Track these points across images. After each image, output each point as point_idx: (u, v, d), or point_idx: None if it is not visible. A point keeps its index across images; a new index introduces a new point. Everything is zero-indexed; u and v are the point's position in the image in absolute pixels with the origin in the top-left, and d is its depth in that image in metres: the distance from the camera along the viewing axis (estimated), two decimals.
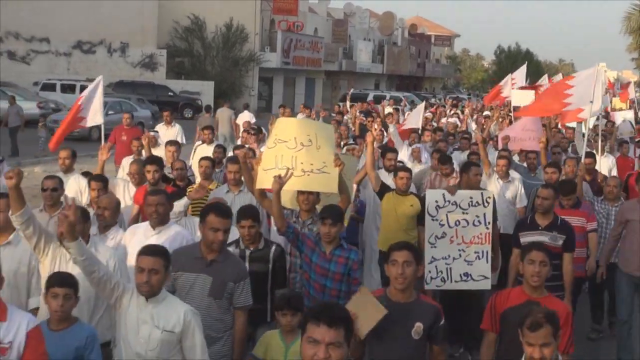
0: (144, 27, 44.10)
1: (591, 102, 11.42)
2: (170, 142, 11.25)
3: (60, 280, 5.10)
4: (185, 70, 46.83)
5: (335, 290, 6.49)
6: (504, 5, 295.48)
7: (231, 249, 6.39)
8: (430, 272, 8.22)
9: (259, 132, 13.96)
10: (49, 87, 36.83)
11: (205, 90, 43.65)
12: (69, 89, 36.55)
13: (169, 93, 40.75)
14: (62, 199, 7.99)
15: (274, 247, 6.72)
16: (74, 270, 5.27)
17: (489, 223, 8.17)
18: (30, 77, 40.40)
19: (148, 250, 5.07)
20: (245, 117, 22.38)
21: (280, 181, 6.62)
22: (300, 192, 7.30)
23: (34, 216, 5.76)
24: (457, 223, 8.21)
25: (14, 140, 23.00)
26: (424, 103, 22.55)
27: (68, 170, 9.58)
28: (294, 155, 7.16)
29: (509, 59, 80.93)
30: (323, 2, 60.83)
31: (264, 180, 7.18)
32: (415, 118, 16.84)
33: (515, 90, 22.47)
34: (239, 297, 5.77)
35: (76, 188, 8.90)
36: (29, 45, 43.39)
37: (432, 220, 8.25)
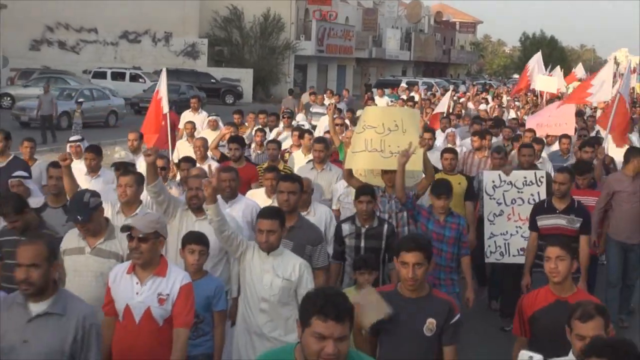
0: (186, 17, 45.07)
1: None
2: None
3: (196, 238, 5.65)
4: (224, 58, 47.70)
5: (450, 254, 7.15)
6: None
7: (347, 226, 6.99)
8: (489, 246, 8.68)
9: (291, 116, 14.61)
10: (99, 75, 38.08)
11: (244, 78, 44.54)
12: (118, 76, 37.98)
13: (211, 80, 41.62)
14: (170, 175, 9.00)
15: (386, 225, 7.09)
16: (201, 229, 5.93)
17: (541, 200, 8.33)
18: (79, 66, 41.67)
19: (266, 213, 5.54)
20: (289, 102, 23.51)
21: (406, 155, 7.29)
22: (385, 171, 7.81)
23: (164, 186, 6.60)
24: (514, 201, 8.59)
25: (44, 128, 22.82)
26: (451, 89, 23.46)
27: (136, 150, 10.27)
28: (383, 139, 7.79)
29: (534, 46, 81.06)
30: None
31: (353, 161, 7.91)
32: (442, 104, 17.55)
33: (540, 75, 23.07)
34: (317, 259, 6.28)
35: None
36: (78, 35, 44.69)
37: (490, 199, 8.69)
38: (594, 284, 8.63)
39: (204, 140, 10.24)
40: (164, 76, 11.06)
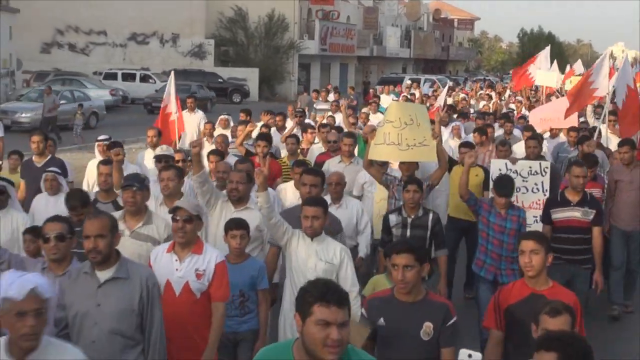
0: (193, 18, 45.76)
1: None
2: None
3: (237, 224, 6.06)
4: (230, 58, 48.23)
5: (511, 245, 7.23)
6: None
7: (394, 216, 7.31)
8: None
9: (303, 115, 14.88)
10: (110, 76, 38.71)
11: (250, 77, 45.15)
12: (129, 77, 38.68)
13: (219, 80, 42.20)
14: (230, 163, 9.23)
15: (431, 215, 7.34)
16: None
17: (546, 190, 8.63)
18: (89, 68, 42.40)
19: (311, 201, 5.93)
20: (304, 100, 24.18)
21: (473, 156, 7.74)
22: (402, 163, 8.20)
23: (208, 177, 7.00)
24: (518, 189, 8.57)
25: (48, 130, 21.57)
26: (447, 86, 23.77)
27: (155, 146, 10.49)
28: (400, 133, 8.11)
29: (532, 42, 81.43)
30: None
31: (374, 153, 8.23)
32: (440, 99, 18.23)
33: (539, 70, 22.96)
34: None
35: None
36: (87, 37, 45.51)
37: None
38: (607, 276, 8.73)
39: (224, 137, 10.68)
40: (172, 80, 11.50)
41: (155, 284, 4.82)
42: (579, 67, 32.09)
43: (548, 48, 25.35)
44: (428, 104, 19.17)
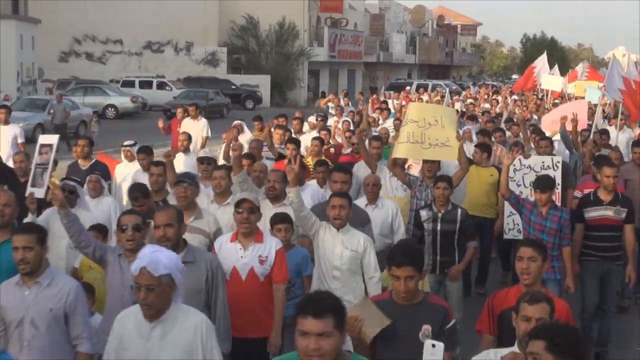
0: (206, 27, 46.59)
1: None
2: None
3: (282, 218, 6.52)
4: (242, 65, 48.91)
5: (550, 243, 7.27)
6: None
7: (424, 212, 7.68)
8: (508, 224, 9.10)
9: (325, 119, 15.40)
10: (128, 83, 39.40)
11: (262, 83, 45.84)
12: (146, 84, 39.36)
13: (232, 86, 42.84)
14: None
15: (459, 210, 7.71)
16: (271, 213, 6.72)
17: (558, 184, 8.73)
18: (106, 76, 43.12)
19: (338, 193, 6.50)
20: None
21: (511, 158, 7.75)
22: (425, 161, 8.54)
23: (247, 177, 7.52)
24: (531, 184, 8.51)
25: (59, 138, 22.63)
26: (448, 90, 24.23)
27: (186, 150, 10.97)
28: (423, 132, 8.48)
29: (535, 47, 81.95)
30: None
31: (398, 150, 8.61)
32: (445, 103, 19.13)
33: (545, 75, 23.62)
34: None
35: (190, 166, 10.06)
36: (104, 46, 46.48)
37: (511, 181, 8.75)
38: None
39: (258, 142, 11.04)
40: None
41: (218, 266, 5.35)
42: (581, 70, 32.49)
43: (545, 54, 25.88)
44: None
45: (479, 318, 5.15)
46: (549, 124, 13.90)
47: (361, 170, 9.33)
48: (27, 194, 7.32)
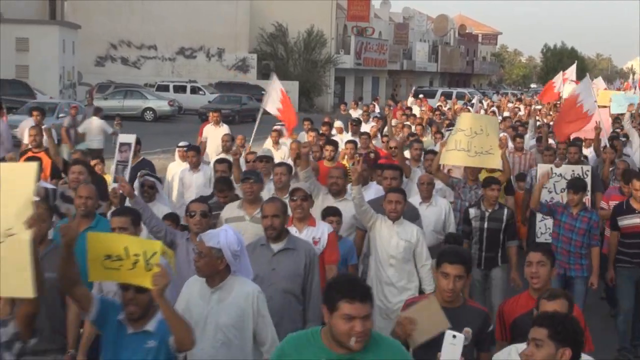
0: (237, 34, 47.38)
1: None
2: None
3: (333, 212, 7.09)
4: (270, 71, 49.68)
5: (579, 242, 7.79)
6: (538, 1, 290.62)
7: (473, 210, 8.03)
8: (540, 228, 9.41)
9: (359, 124, 15.77)
10: (162, 88, 40.07)
11: (291, 89, 46.25)
12: (180, 89, 39.99)
13: (262, 92, 43.49)
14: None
15: (506, 210, 8.07)
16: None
17: (588, 191, 8.84)
18: (140, 80, 43.90)
19: (394, 189, 7.03)
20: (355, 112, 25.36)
21: (546, 176, 8.35)
22: (468, 167, 9.03)
23: (312, 173, 7.94)
24: (562, 190, 9.05)
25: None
26: (476, 98, 24.69)
27: (228, 150, 10.98)
28: (470, 141, 8.90)
29: (555, 57, 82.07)
30: (385, 7, 63.64)
31: (446, 157, 9.08)
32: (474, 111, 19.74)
33: (566, 84, 24.02)
34: None
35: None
36: (139, 52, 47.38)
37: (543, 187, 8.86)
38: None
39: (299, 143, 11.46)
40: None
41: (315, 254, 5.81)
42: (600, 83, 32.78)
43: (574, 65, 26.28)
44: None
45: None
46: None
47: (368, 191, 9.55)
48: (109, 190, 7.98)
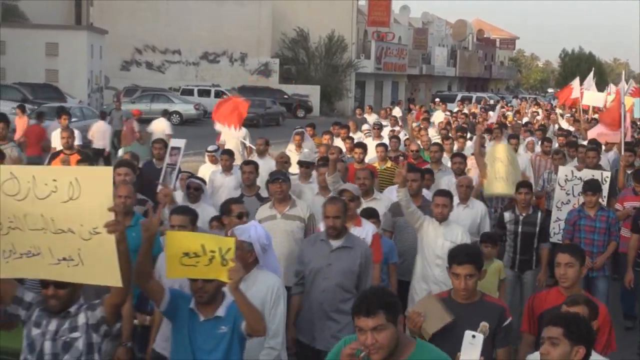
0: (260, 39, 47.79)
1: None
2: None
3: (370, 213, 7.25)
4: (291, 76, 49.97)
5: (601, 242, 8.01)
6: (554, 5, 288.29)
7: (507, 214, 8.25)
8: (554, 228, 9.33)
9: (380, 128, 15.85)
10: (187, 92, 40.37)
11: (312, 93, 46.89)
12: (204, 93, 40.30)
13: (284, 96, 43.81)
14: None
15: (539, 213, 8.24)
16: None
17: (604, 197, 8.98)
18: (164, 84, 44.15)
19: (442, 192, 7.23)
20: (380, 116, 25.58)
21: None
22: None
23: (340, 178, 8.07)
24: (579, 194, 9.03)
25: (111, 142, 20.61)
26: (500, 104, 24.92)
27: (262, 153, 11.37)
28: (505, 169, 9.03)
29: (573, 61, 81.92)
30: (405, 12, 63.93)
31: (491, 187, 9.09)
32: (494, 115, 19.89)
33: (587, 91, 23.95)
34: None
35: (267, 168, 10.06)
36: (163, 56, 47.81)
37: (561, 189, 9.45)
38: None
39: (338, 148, 11.22)
40: None
41: (370, 254, 6.05)
42: (623, 87, 32.78)
43: (591, 75, 26.38)
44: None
45: (522, 319, 5.37)
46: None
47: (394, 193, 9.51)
48: (158, 191, 8.04)
